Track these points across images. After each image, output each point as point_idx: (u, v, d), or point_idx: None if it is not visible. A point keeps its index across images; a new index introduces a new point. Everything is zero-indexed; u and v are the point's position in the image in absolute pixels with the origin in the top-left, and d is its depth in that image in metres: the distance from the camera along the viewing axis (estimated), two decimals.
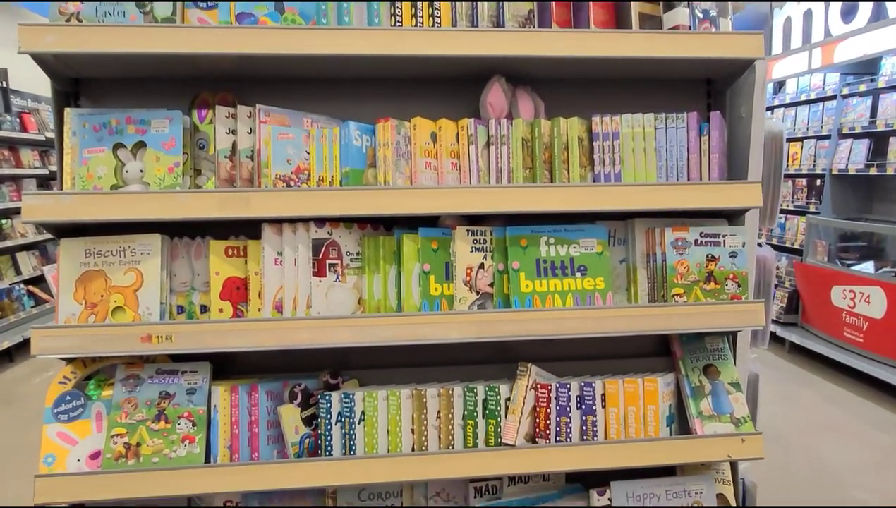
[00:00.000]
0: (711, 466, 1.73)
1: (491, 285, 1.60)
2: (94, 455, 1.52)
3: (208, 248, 1.56)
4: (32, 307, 6.55)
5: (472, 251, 1.59)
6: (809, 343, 5.70)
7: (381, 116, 1.56)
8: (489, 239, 1.60)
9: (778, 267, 6.01)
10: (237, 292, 1.56)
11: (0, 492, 3.98)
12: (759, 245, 1.83)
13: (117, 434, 1.51)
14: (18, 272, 6.53)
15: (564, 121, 1.60)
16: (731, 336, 1.77)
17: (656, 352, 1.85)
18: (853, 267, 5.32)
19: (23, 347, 6.53)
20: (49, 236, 7.05)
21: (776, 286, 6.12)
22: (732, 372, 1.71)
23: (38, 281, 6.77)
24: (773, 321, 6.12)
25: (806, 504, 3.60)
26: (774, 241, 6.33)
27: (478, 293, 1.59)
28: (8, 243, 6.27)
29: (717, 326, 1.57)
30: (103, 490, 1.46)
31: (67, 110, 1.53)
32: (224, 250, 1.56)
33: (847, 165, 5.53)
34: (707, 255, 1.63)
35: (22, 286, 6.53)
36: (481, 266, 1.59)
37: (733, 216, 1.71)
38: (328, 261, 1.55)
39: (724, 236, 1.64)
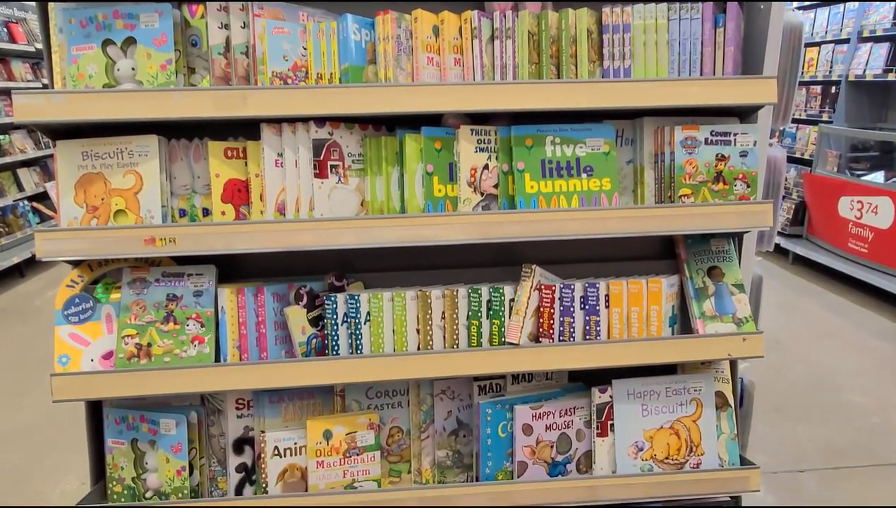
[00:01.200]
0: (711, 365, 1.76)
1: (495, 186, 1.58)
2: (107, 356, 1.56)
3: (207, 150, 1.53)
4: (38, 223, 6.57)
5: (476, 151, 1.55)
6: (813, 254, 5.71)
7: (381, 9, 1.49)
8: (493, 138, 1.56)
9: (786, 178, 5.93)
10: (238, 194, 1.54)
11: (24, 400, 4.14)
12: (770, 145, 1.78)
13: (128, 336, 1.54)
14: (21, 188, 6.51)
15: (573, 13, 1.52)
16: (737, 238, 1.76)
17: (661, 255, 1.84)
18: (863, 178, 5.24)
19: (33, 262, 6.61)
20: (49, 152, 6.98)
21: (783, 197, 6.07)
22: (736, 274, 1.70)
23: (42, 197, 6.76)
24: (778, 233, 6.11)
25: (801, 410, 3.69)
26: (784, 152, 6.21)
27: (482, 194, 1.57)
28: (8, 159, 6.21)
29: (725, 227, 1.55)
30: (118, 388, 1.50)
31: (51, 5, 1.46)
32: (223, 151, 1.53)
33: (865, 71, 5.34)
34: (717, 155, 1.59)
35: (26, 202, 6.52)
36: (486, 166, 1.56)
37: (745, 114, 1.65)
38: (330, 162, 1.52)
39: (735, 135, 1.59)
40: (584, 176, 1.58)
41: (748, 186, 1.60)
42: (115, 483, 1.64)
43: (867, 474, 3.02)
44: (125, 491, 1.63)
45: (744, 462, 1.73)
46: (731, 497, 1.78)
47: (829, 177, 5.40)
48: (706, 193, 1.60)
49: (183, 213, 1.56)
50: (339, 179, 1.53)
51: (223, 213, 1.53)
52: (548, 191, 1.56)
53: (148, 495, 1.62)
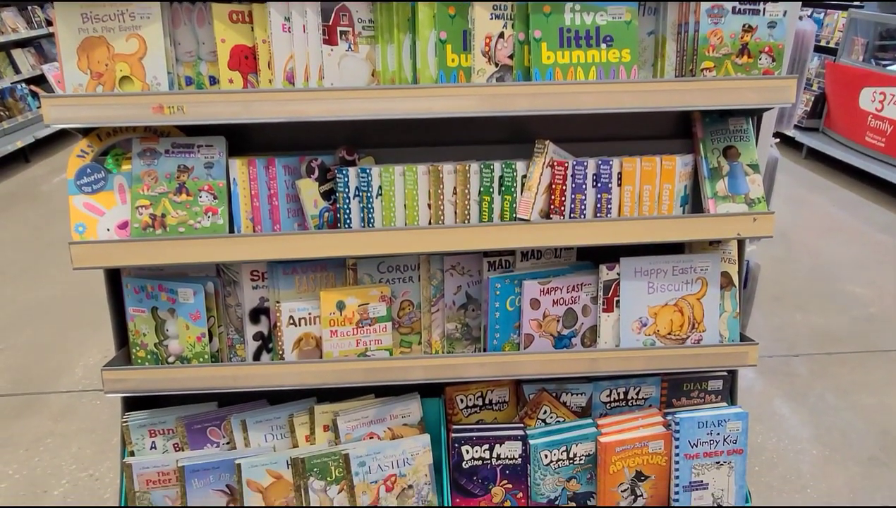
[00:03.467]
0: (719, 246, 1.77)
1: (511, 56, 1.52)
2: (123, 226, 1.58)
3: (211, 13, 1.47)
4: (38, 108, 6.46)
5: (491, 18, 1.48)
6: (828, 148, 5.61)
7: None
8: (510, 4, 1.49)
9: (808, 68, 5.71)
10: (246, 61, 1.50)
11: (40, 279, 4.25)
12: (800, 18, 1.70)
13: (142, 206, 1.55)
14: (17, 71, 6.34)
15: None
16: (756, 117, 1.72)
17: (676, 134, 1.81)
18: (889, 67, 5.04)
19: (37, 147, 6.57)
20: (42, 31, 6.74)
21: (804, 89, 5.87)
22: (752, 154, 1.68)
23: (40, 81, 6.61)
24: (794, 126, 5.97)
25: (801, 299, 3.77)
26: (814, 27, 5.94)
27: (497, 65, 1.52)
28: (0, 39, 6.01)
29: (746, 103, 1.51)
30: (135, 257, 1.53)
31: None
32: (228, 15, 1.47)
33: None
34: (744, 25, 1.52)
35: (24, 85, 6.38)
36: (501, 35, 1.50)
37: None
38: (339, 28, 1.46)
39: (764, 4, 1.51)
40: (603, 46, 1.52)
41: (773, 60, 1.54)
42: (138, 348, 1.71)
43: (858, 360, 3.13)
44: (148, 356, 1.71)
45: (743, 338, 1.79)
46: (727, 371, 1.86)
47: (853, 67, 5.20)
48: (729, 67, 1.54)
49: (189, 81, 1.53)
50: (350, 47, 1.48)
51: (231, 81, 1.50)
52: (564, 62, 1.51)
53: (171, 360, 1.70)
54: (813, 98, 5.72)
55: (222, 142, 1.58)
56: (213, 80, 1.52)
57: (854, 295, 3.74)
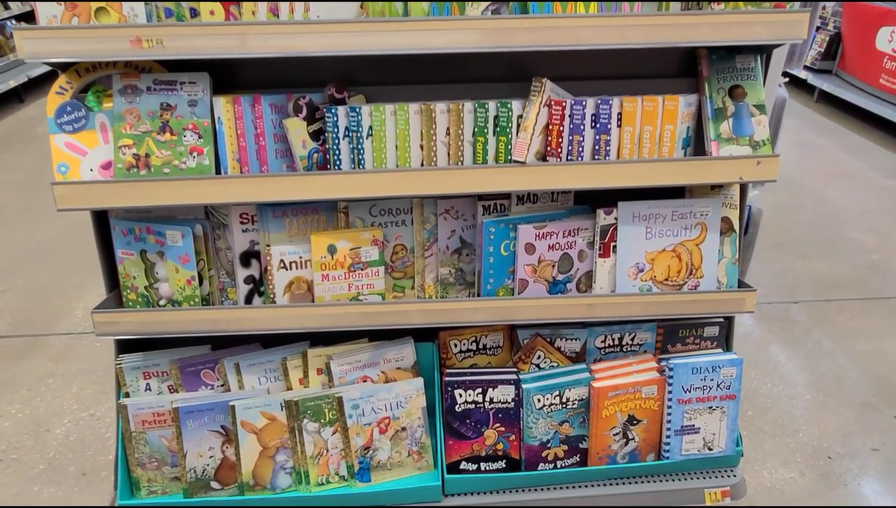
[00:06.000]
0: (721, 191, 1.73)
1: None
2: (106, 166, 1.53)
3: None
4: None
5: None
6: (841, 91, 5.46)
7: None
8: None
9: (823, 7, 5.49)
10: None
11: (38, 222, 4.23)
12: None
13: (125, 145, 1.50)
14: (6, 7, 6.15)
15: None
16: (765, 55, 1.64)
17: (680, 73, 1.73)
18: None
19: (30, 87, 6.45)
20: None
21: (817, 29, 5.67)
22: (759, 94, 1.61)
23: (30, 18, 6.41)
24: (806, 67, 5.79)
25: (803, 246, 3.72)
26: None
27: None
28: None
29: (756, 38, 1.43)
30: (119, 198, 1.49)
31: None
32: None
33: None
34: None
35: (14, 21, 6.21)
36: None
37: None
38: None
39: None
40: None
41: None
42: (129, 291, 1.70)
43: (858, 306, 3.12)
44: (139, 299, 1.69)
45: (741, 285, 1.76)
46: (724, 317, 1.84)
47: (870, 5, 4.99)
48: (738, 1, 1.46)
49: (169, 14, 1.45)
50: None
51: (212, 13, 1.42)
52: None
53: (161, 303, 1.68)
54: (828, 38, 5.53)
55: (206, 78, 1.52)
56: (194, 13, 1.45)
57: (857, 242, 3.70)
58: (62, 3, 1.39)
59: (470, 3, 1.42)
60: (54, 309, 3.20)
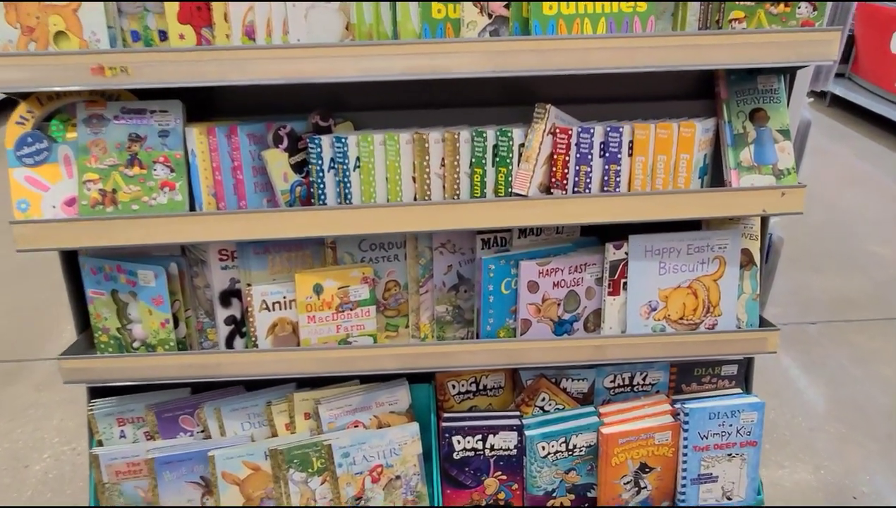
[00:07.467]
0: (740, 220, 1.59)
1: (507, 6, 1.31)
2: (70, 202, 1.41)
3: None
4: None
5: None
6: (854, 95, 5.30)
7: None
8: None
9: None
10: (199, 13, 1.29)
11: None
12: None
13: (90, 180, 1.38)
14: None
15: None
16: (788, 74, 1.50)
17: (695, 94, 1.60)
18: None
19: None
20: None
21: None
22: (783, 118, 1.47)
23: None
24: None
25: (817, 259, 3.59)
26: None
27: (490, 16, 1.30)
28: None
29: (782, 60, 1.30)
30: (84, 238, 1.37)
31: None
32: None
33: None
34: None
35: None
36: None
37: None
38: None
39: None
40: None
41: (815, 9, 1.32)
42: (100, 332, 1.57)
43: (878, 327, 2.98)
44: (111, 341, 1.57)
45: (763, 323, 1.62)
46: (743, 357, 1.71)
47: (886, 7, 4.83)
48: (762, 18, 1.32)
49: (136, 37, 1.32)
50: None
51: (182, 37, 1.29)
52: (570, 13, 1.29)
53: (135, 345, 1.56)
54: None
55: (178, 106, 1.39)
56: (164, 35, 1.32)
57: (873, 255, 3.55)
58: (16, 26, 1.26)
59: (466, 23, 1.28)
60: (39, 331, 3.08)
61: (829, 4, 1.37)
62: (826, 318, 3.02)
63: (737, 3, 1.30)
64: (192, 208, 1.41)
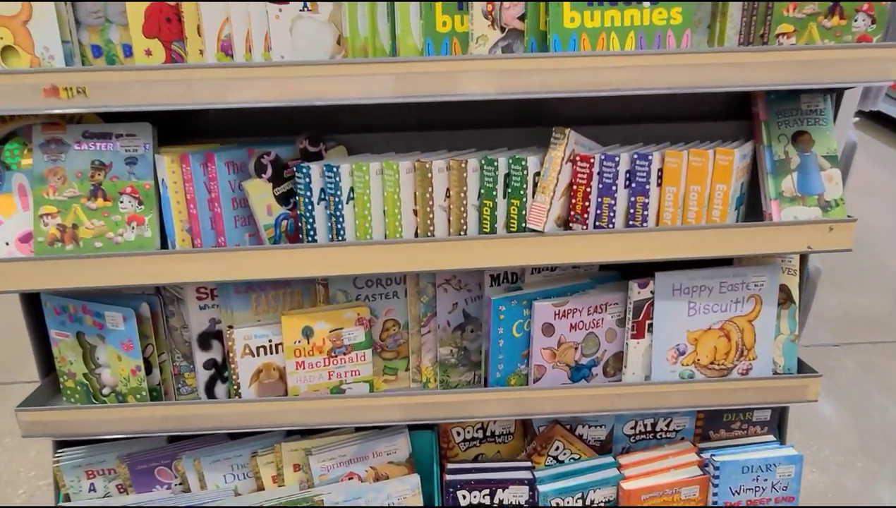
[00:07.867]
0: (779, 255, 1.43)
1: (522, 18, 1.14)
2: (25, 239, 1.25)
3: None
4: None
5: None
6: None
7: None
8: None
9: None
10: (167, 26, 1.12)
11: None
12: None
13: (47, 214, 1.21)
14: None
15: None
16: (835, 93, 1.34)
17: (730, 114, 1.44)
18: None
19: None
20: None
21: None
22: (830, 142, 1.31)
23: None
24: None
25: (838, 276, 3.42)
26: None
27: (503, 30, 1.14)
28: None
29: (836, 80, 1.13)
30: (41, 279, 1.21)
31: None
32: None
33: None
34: None
35: None
36: None
37: None
38: None
39: None
40: (645, 4, 1.13)
41: (873, 22, 1.16)
42: (66, 377, 1.41)
43: None
44: (79, 387, 1.41)
45: (802, 367, 1.46)
46: (779, 405, 1.55)
47: None
48: (814, 32, 1.16)
49: (98, 52, 1.16)
50: (306, 5, 1.10)
51: (149, 53, 1.13)
52: (594, 25, 1.13)
53: (105, 391, 1.40)
54: None
55: (148, 129, 1.22)
56: (129, 50, 1.16)
57: (894, 271, 3.39)
58: None
59: (475, 38, 1.12)
60: (16, 353, 2.91)
61: (892, 14, 1.20)
62: (850, 340, 2.85)
63: (786, 14, 1.14)
64: (164, 246, 1.25)
